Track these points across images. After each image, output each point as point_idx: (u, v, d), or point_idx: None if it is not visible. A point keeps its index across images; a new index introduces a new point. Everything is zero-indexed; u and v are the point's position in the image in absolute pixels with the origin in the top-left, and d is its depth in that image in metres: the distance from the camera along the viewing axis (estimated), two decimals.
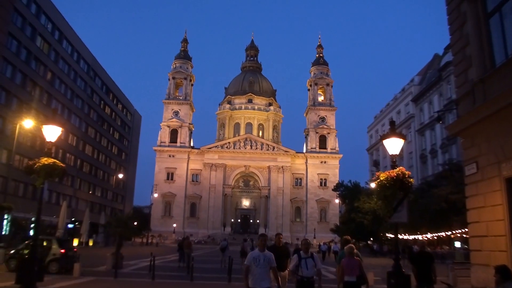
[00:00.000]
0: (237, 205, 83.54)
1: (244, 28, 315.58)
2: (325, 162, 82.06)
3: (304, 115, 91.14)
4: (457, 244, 34.81)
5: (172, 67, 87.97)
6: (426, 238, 34.77)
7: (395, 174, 9.40)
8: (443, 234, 34.29)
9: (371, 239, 48.47)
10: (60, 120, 12.61)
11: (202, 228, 77.16)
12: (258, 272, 6.70)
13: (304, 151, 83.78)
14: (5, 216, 31.42)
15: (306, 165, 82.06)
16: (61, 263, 17.55)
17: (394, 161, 10.34)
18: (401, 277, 9.49)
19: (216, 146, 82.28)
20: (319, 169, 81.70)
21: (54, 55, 50.18)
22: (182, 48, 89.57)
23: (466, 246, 29.27)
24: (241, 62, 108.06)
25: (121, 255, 19.96)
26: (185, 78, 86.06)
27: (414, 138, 54.29)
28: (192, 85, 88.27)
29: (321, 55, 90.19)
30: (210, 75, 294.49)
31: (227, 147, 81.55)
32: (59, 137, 12.78)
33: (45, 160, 11.42)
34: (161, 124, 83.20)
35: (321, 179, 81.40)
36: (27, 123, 30.80)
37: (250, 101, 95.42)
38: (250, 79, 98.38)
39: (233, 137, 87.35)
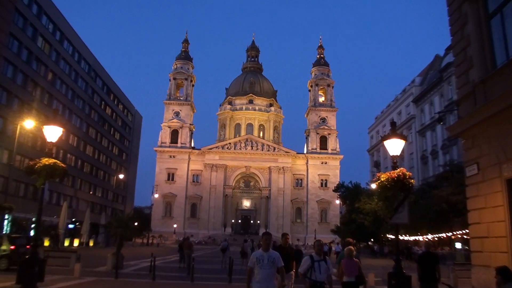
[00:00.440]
0: (237, 206, 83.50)
1: (245, 29, 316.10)
2: (325, 163, 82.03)
3: (305, 115, 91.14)
4: (458, 245, 34.74)
5: (173, 67, 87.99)
6: (427, 239, 34.72)
7: (396, 175, 9.40)
8: (443, 235, 34.25)
9: (372, 240, 48.41)
10: (61, 121, 12.63)
11: (202, 228, 77.15)
12: (262, 273, 6.20)
13: (305, 151, 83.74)
14: (6, 216, 31.47)
15: (307, 166, 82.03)
16: (11, 259, 17.37)
17: (395, 162, 10.34)
18: (401, 278, 9.48)
19: (216, 147, 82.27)
20: (320, 170, 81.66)
21: (55, 55, 50.26)
22: (183, 49, 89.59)
23: (466, 247, 29.19)
24: (242, 63, 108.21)
25: (121, 255, 19.96)
26: (186, 79, 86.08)
27: (415, 139, 54.24)
28: (193, 85, 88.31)
29: (322, 56, 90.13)
30: (211, 75, 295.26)
31: (227, 148, 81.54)
32: (60, 138, 12.78)
33: (46, 161, 11.42)
34: (161, 125, 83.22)
35: (322, 180, 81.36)
36: (28, 123, 30.85)
37: (251, 101, 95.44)
38: (251, 80, 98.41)
39: (234, 137, 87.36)
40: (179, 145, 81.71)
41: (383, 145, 11.03)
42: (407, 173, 9.53)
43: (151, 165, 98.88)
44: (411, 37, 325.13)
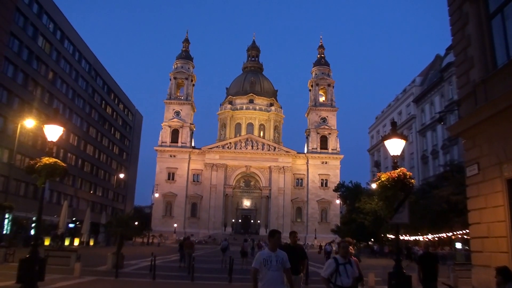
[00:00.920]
0: (238, 205, 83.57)
1: (245, 29, 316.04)
2: (326, 163, 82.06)
3: (305, 115, 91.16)
4: (458, 245, 34.76)
5: (173, 67, 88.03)
6: (427, 239, 34.73)
7: (396, 175, 9.39)
8: (444, 235, 34.25)
9: (372, 239, 48.41)
10: (62, 120, 12.60)
11: (203, 228, 77.21)
12: (270, 275, 5.70)
13: (305, 151, 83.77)
14: (6, 216, 31.51)
15: (307, 166, 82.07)
16: None
17: (395, 161, 10.33)
18: (402, 278, 9.47)
19: (217, 146, 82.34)
20: (320, 170, 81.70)
21: (56, 55, 50.27)
22: (184, 48, 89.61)
23: (467, 247, 29.21)
24: (242, 63, 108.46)
25: (122, 255, 19.93)
26: (187, 78, 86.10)
27: (415, 139, 54.22)
28: (193, 85, 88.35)
29: (322, 55, 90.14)
30: (211, 75, 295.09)
31: (228, 147, 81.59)
32: (61, 137, 12.77)
33: (46, 160, 11.40)
34: (162, 124, 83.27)
35: (322, 179, 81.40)
36: (29, 122, 30.89)
37: (251, 101, 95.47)
38: (252, 80, 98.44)
39: (234, 137, 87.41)
40: (179, 144, 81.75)
41: (384, 145, 11.02)
42: (408, 173, 9.51)
43: (151, 165, 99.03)
44: (412, 37, 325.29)
